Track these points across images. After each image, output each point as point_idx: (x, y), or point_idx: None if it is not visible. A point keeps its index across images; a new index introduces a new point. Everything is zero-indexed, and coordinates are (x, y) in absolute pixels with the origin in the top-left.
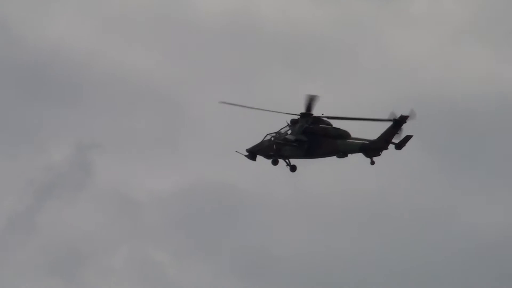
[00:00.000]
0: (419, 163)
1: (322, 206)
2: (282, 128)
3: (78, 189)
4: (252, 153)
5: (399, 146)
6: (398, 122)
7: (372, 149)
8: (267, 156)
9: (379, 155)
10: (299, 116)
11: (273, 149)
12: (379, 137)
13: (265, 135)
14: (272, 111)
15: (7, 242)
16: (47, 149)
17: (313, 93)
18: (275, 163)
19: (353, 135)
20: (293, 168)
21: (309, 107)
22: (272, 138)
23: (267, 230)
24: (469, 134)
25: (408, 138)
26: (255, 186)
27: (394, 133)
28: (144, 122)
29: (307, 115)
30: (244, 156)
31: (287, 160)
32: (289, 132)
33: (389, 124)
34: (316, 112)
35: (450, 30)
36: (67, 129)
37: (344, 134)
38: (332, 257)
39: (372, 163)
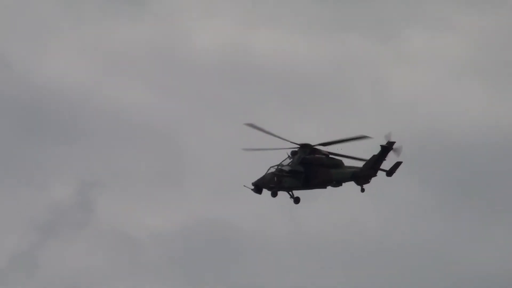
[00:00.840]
0: (414, 195)
1: (316, 241)
2: (283, 160)
3: (77, 227)
4: (257, 187)
5: (389, 173)
6: (386, 149)
7: (360, 176)
8: (269, 189)
9: (369, 182)
10: (298, 147)
11: (274, 181)
12: (366, 164)
13: (268, 167)
14: (287, 140)
15: (8, 282)
16: (46, 187)
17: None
18: (274, 195)
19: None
20: (296, 200)
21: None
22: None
23: (269, 267)
24: (466, 170)
25: (398, 164)
26: (257, 221)
27: (381, 160)
28: (144, 160)
29: (305, 146)
30: (250, 190)
31: (290, 192)
32: (289, 163)
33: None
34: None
35: (448, 67)
36: (66, 167)
37: (338, 163)
38: None
39: (362, 190)
